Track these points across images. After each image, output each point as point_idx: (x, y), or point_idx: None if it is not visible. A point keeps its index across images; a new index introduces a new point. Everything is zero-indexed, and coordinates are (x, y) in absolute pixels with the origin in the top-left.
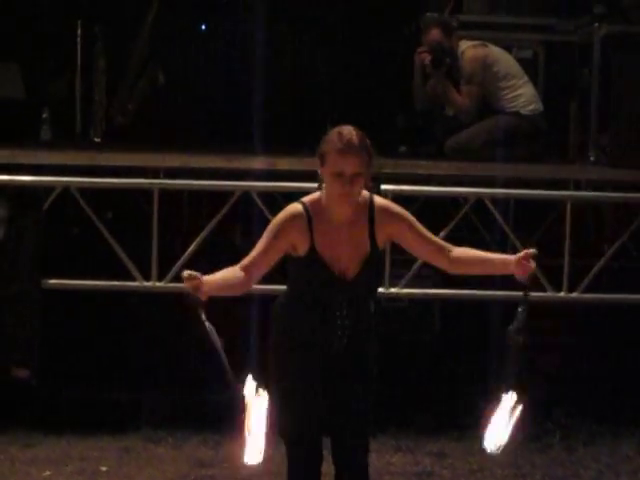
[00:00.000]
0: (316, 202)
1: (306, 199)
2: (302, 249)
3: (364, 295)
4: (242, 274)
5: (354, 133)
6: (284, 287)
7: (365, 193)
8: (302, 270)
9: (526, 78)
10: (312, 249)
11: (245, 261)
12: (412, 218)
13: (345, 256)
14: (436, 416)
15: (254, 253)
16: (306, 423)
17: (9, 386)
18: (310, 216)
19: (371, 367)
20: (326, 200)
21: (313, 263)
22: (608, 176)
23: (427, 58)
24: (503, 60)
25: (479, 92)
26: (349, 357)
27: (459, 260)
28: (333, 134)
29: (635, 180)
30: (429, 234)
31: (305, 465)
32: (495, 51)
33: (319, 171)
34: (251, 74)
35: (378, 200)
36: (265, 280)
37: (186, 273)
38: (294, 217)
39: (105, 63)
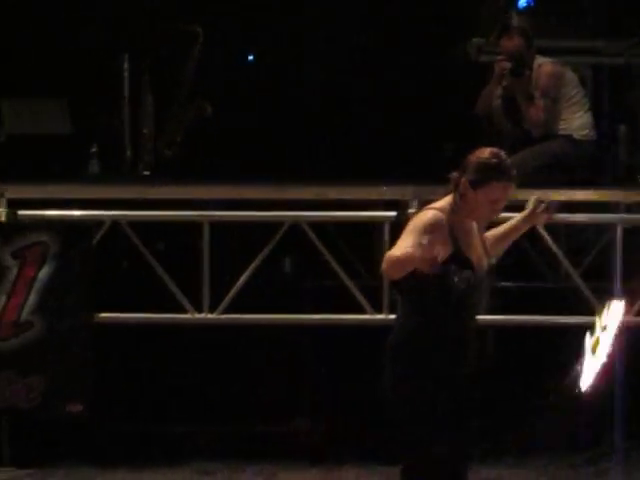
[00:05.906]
0: (448, 212)
1: (439, 209)
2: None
3: None
4: None
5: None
6: None
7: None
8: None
9: (587, 106)
10: (457, 251)
11: None
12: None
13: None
14: (492, 442)
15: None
16: None
17: (64, 421)
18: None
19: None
20: (466, 213)
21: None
22: None
23: (507, 66)
24: (573, 84)
25: (553, 107)
26: None
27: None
28: (495, 162)
29: None
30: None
31: None
32: (570, 73)
33: (466, 184)
34: (298, 103)
35: None
36: None
37: None
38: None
39: (152, 96)
